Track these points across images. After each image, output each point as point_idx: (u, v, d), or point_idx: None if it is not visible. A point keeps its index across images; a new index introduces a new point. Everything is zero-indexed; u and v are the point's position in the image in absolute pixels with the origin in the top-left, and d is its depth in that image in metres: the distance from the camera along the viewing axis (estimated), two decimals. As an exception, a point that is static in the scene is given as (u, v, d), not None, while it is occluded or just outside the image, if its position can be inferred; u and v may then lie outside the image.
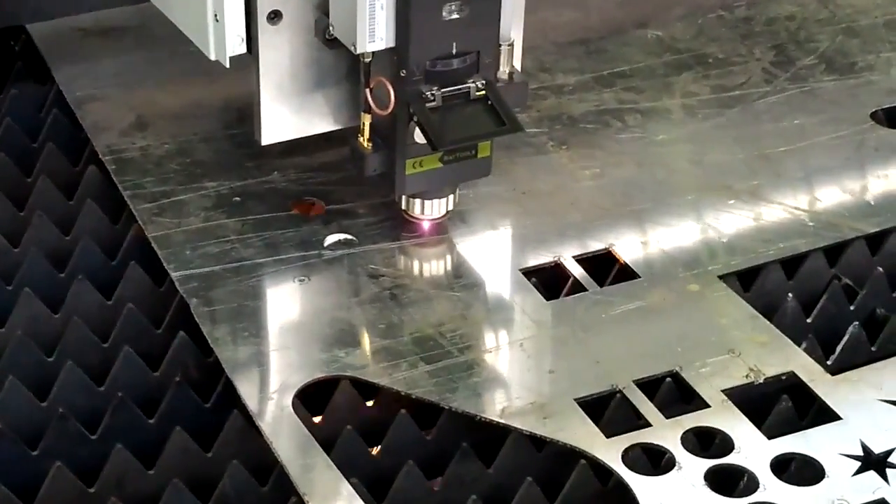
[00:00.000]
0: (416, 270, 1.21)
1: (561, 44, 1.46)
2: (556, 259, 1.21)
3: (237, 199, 1.26)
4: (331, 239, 1.23)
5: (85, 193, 1.29)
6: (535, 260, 1.22)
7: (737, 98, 1.40)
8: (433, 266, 1.22)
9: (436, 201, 1.23)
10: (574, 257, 1.21)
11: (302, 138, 1.25)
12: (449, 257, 1.23)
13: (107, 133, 1.34)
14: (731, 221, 1.26)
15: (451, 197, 1.24)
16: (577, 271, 1.20)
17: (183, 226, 1.24)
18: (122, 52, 1.45)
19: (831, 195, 1.29)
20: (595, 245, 1.23)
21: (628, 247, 1.23)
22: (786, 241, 1.23)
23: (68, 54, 1.44)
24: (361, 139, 1.18)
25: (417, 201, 1.23)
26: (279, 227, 1.24)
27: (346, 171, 1.28)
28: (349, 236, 1.23)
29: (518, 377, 1.11)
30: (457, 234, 1.25)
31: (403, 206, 1.24)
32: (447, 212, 1.24)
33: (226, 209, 1.25)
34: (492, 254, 1.23)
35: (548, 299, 1.18)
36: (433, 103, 1.15)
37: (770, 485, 1.01)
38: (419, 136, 1.15)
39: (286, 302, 1.17)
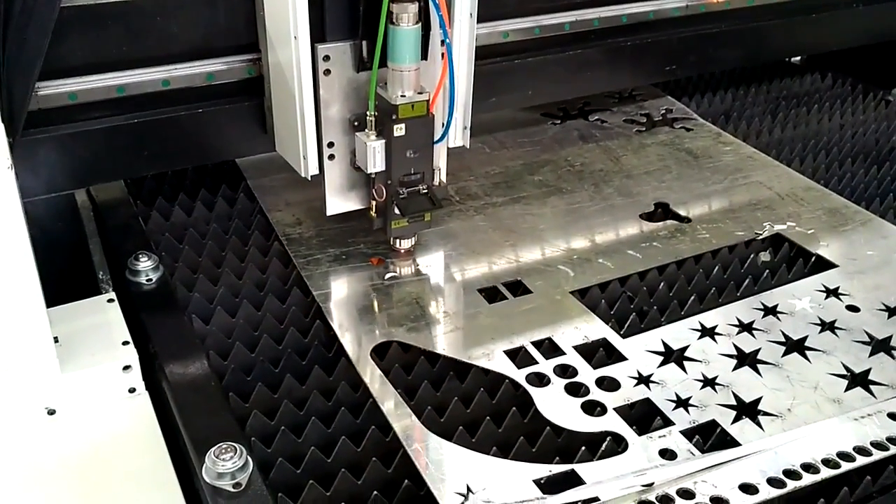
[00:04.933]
0: (428, 289, 1.19)
1: (493, 182, 1.45)
2: (494, 284, 1.20)
3: (344, 257, 1.25)
4: (388, 275, 1.21)
5: (272, 255, 1.27)
6: (484, 285, 1.20)
7: (576, 208, 1.39)
8: (438, 285, 1.19)
9: (406, 240, 1.23)
10: (502, 283, 1.20)
11: (367, 230, 1.24)
12: (437, 286, 1.20)
13: (281, 226, 1.32)
14: (573, 265, 1.24)
15: (413, 238, 1.23)
16: (503, 290, 1.19)
17: (319, 270, 1.22)
18: (290, 189, 1.42)
19: (620, 251, 1.26)
20: (511, 278, 1.21)
21: (528, 278, 1.21)
22: (600, 275, 1.22)
23: (267, 189, 1.41)
24: (371, 212, 1.19)
25: (398, 240, 1.23)
26: (363, 269, 1.22)
27: (388, 243, 1.25)
28: (396, 273, 1.22)
29: (475, 342, 1.09)
30: (437, 273, 1.22)
31: (391, 244, 1.23)
32: (412, 245, 1.23)
33: (339, 261, 1.24)
34: (459, 281, 1.21)
35: (490, 303, 1.17)
36: (403, 196, 1.15)
37: (594, 390, 1.01)
38: (397, 210, 1.16)
39: (367, 303, 1.16)
